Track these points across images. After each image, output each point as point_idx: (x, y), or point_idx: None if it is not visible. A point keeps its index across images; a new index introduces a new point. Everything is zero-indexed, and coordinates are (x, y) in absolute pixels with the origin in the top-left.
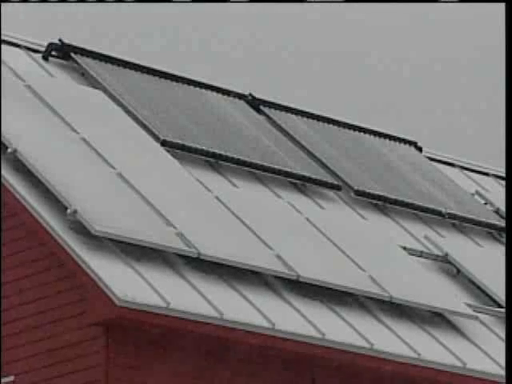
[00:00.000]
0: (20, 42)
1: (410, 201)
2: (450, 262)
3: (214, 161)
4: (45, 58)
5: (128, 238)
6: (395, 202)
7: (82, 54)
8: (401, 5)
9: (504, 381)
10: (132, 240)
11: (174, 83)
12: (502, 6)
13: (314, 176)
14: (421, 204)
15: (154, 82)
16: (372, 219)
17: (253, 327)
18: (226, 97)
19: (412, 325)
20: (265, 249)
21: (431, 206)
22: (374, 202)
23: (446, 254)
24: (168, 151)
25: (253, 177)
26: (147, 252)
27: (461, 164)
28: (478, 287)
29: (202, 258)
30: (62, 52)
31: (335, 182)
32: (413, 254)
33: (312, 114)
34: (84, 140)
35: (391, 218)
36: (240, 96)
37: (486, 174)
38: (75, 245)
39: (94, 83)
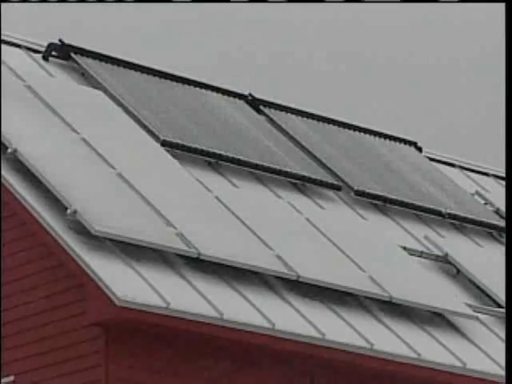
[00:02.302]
0: (20, 42)
1: (409, 201)
2: (449, 262)
3: (214, 161)
4: (45, 58)
5: (128, 237)
6: (395, 202)
7: (82, 54)
8: (401, 5)
9: (504, 381)
10: (132, 240)
11: (174, 83)
12: (502, 6)
13: (313, 176)
14: (421, 204)
15: (153, 82)
16: (372, 219)
17: (253, 327)
18: (226, 97)
19: (412, 325)
20: (265, 249)
21: (431, 206)
22: (374, 202)
23: (446, 254)
24: (168, 151)
25: (253, 177)
26: (147, 252)
27: (461, 164)
28: (478, 287)
29: (201, 258)
30: (62, 52)
31: (335, 182)
32: (413, 254)
33: (312, 114)
34: (84, 140)
35: (391, 218)
36: (240, 96)
37: (486, 174)
38: (75, 245)
39: (94, 83)
